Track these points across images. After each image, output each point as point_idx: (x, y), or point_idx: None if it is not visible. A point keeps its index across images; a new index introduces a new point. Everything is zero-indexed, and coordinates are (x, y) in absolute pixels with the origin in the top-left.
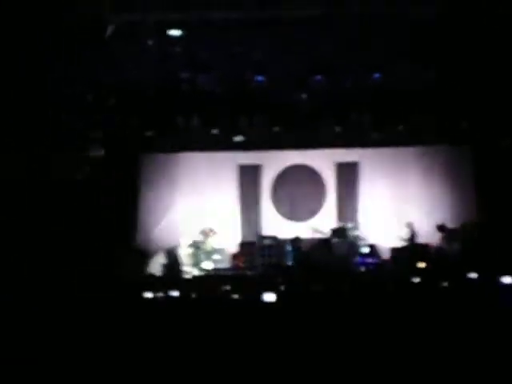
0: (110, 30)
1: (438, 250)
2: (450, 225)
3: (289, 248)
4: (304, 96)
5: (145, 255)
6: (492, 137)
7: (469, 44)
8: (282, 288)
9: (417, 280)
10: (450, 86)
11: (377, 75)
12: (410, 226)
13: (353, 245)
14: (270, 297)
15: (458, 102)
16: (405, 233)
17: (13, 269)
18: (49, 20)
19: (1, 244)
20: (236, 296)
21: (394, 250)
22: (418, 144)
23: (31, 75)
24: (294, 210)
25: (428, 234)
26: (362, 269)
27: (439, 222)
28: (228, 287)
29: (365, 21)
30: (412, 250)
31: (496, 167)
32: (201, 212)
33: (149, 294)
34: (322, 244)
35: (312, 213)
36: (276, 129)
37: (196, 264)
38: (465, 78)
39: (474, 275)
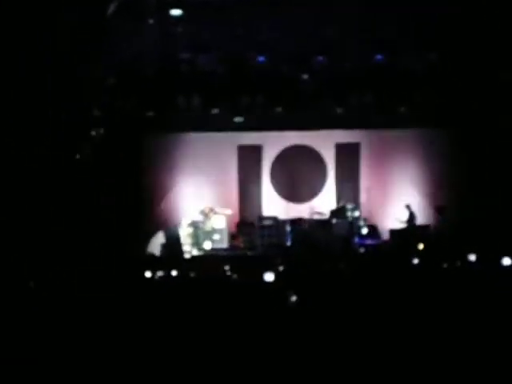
0: (111, 8)
1: (438, 231)
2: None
3: (288, 228)
4: (305, 77)
5: (145, 234)
6: (493, 119)
7: (472, 26)
8: (282, 268)
9: (416, 261)
10: (452, 68)
11: (379, 56)
12: (408, 207)
13: (352, 225)
14: (269, 277)
15: (459, 84)
16: (404, 214)
17: (18, 249)
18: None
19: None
20: (235, 276)
21: (394, 231)
22: (419, 126)
23: (30, 53)
24: (293, 191)
25: (428, 216)
26: (362, 249)
27: (438, 204)
28: (227, 267)
29: (368, 2)
30: (411, 231)
31: (496, 149)
32: (201, 192)
33: (148, 274)
34: (322, 224)
35: (312, 193)
36: (277, 109)
37: (196, 244)
38: (468, 61)
39: (473, 257)
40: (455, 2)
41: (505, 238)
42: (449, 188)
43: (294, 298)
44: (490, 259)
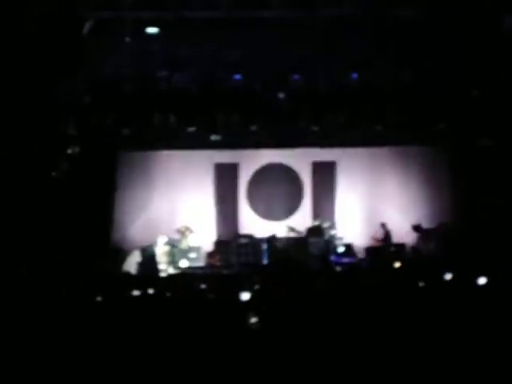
0: (87, 26)
1: (414, 249)
2: (426, 225)
3: (265, 247)
4: (281, 95)
5: (120, 253)
6: (468, 137)
7: (446, 44)
8: (258, 287)
9: (392, 280)
10: (426, 86)
11: (354, 75)
12: (384, 225)
13: (329, 244)
14: (245, 296)
15: (434, 102)
16: (379, 233)
17: None
18: (23, 17)
19: None
20: (211, 295)
21: (369, 250)
22: (395, 144)
23: (5, 71)
24: (270, 209)
25: (404, 234)
26: (338, 268)
27: (415, 222)
28: (204, 286)
29: (342, 22)
30: (387, 249)
31: (472, 168)
32: (177, 210)
33: (125, 292)
34: (298, 243)
35: (288, 212)
36: (253, 127)
37: (172, 262)
38: (441, 78)
39: (449, 276)
40: (429, 21)
41: (482, 257)
42: (426, 206)
43: (254, 320)
44: (467, 278)
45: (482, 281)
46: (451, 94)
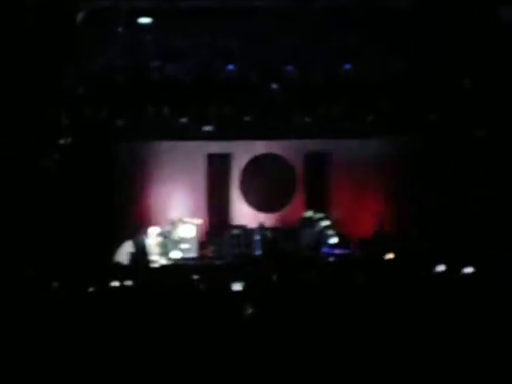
0: (80, 16)
1: (407, 240)
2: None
3: (257, 237)
4: (274, 86)
5: (116, 243)
6: (461, 127)
7: (437, 34)
8: (250, 277)
9: (385, 271)
10: (418, 75)
11: (347, 66)
12: (378, 216)
13: (321, 235)
14: (237, 286)
15: (426, 93)
16: (373, 223)
17: None
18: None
19: None
20: (203, 285)
21: (363, 241)
22: (388, 134)
23: None
24: (263, 200)
25: (398, 224)
26: (331, 259)
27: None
28: (196, 276)
29: (334, 12)
30: (380, 240)
31: (465, 157)
32: (170, 201)
33: (116, 283)
34: (290, 234)
35: (282, 203)
36: (246, 118)
37: (164, 253)
38: (434, 70)
39: (441, 267)
40: (422, 12)
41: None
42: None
43: (250, 311)
44: (456, 269)
45: (469, 270)
46: (442, 83)
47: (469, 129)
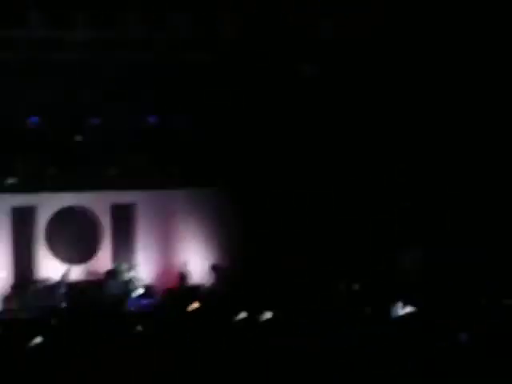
0: None
1: (210, 290)
2: (224, 265)
3: (63, 290)
4: (79, 137)
5: None
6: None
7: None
8: (54, 330)
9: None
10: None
11: (151, 118)
12: (182, 266)
13: (127, 285)
14: (37, 340)
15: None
16: (181, 274)
17: None
18: None
19: None
20: (7, 340)
21: (168, 291)
22: (192, 186)
23: None
24: (69, 253)
25: (203, 275)
26: (136, 309)
27: (213, 263)
28: None
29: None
30: (184, 290)
31: (254, 206)
32: None
33: None
34: (96, 285)
35: (88, 255)
36: (51, 170)
37: None
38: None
39: (243, 314)
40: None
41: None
42: (222, 246)
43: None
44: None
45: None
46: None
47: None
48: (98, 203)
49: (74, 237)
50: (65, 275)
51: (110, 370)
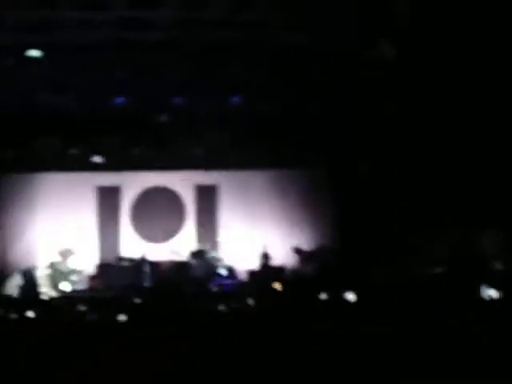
0: None
1: (294, 271)
2: (306, 247)
3: (147, 269)
4: (164, 117)
5: (1, 277)
6: (348, 161)
7: (322, 69)
8: (139, 309)
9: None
10: (306, 110)
11: (236, 98)
12: (264, 248)
13: (211, 266)
14: (123, 317)
15: (314, 126)
16: (259, 255)
17: None
18: None
19: None
20: (92, 317)
21: (251, 272)
22: (276, 167)
23: None
24: (152, 232)
25: (285, 257)
26: (220, 290)
27: (296, 245)
28: (84, 308)
29: (224, 46)
30: (267, 271)
31: (350, 192)
32: (59, 233)
33: (4, 315)
34: (180, 266)
35: (171, 235)
36: (135, 150)
37: (54, 285)
38: (322, 103)
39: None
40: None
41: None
42: (307, 229)
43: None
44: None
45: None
46: (331, 118)
47: (354, 163)
48: (182, 183)
49: (157, 216)
50: (149, 257)
51: (186, 345)
